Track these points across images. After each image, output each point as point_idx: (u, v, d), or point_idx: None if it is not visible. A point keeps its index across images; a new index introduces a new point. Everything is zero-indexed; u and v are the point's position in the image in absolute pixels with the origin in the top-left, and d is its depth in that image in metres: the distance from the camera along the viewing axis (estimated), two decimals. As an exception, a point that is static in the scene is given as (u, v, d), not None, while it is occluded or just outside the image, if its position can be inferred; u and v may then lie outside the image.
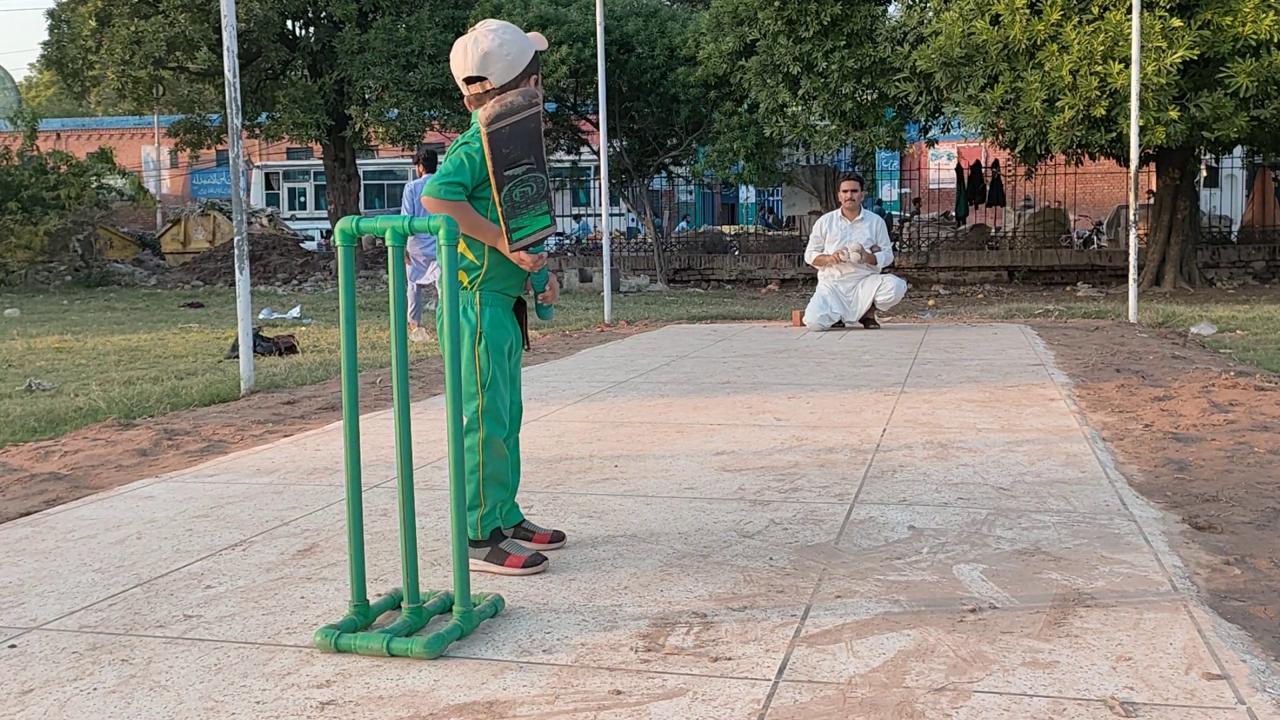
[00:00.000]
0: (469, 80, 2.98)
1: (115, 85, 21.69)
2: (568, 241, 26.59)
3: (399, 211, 11.91)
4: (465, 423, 2.97)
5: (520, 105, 2.90)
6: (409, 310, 11.25)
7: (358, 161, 25.50)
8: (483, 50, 2.94)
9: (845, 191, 9.85)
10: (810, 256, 10.02)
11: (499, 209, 2.90)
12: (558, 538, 3.22)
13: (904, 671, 2.28)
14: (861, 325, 9.97)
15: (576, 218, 29.67)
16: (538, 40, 3.06)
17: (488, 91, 2.96)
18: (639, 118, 20.75)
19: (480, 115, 2.86)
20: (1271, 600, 2.69)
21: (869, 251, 9.70)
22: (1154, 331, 9.59)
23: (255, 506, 3.79)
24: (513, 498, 3.13)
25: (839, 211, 9.92)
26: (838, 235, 9.84)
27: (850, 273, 9.85)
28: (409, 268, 10.84)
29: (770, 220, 35.53)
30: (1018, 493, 3.77)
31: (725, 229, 29.97)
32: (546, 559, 3.02)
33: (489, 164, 2.87)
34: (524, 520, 3.20)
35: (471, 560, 2.83)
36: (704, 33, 18.14)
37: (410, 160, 34.08)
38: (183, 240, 26.63)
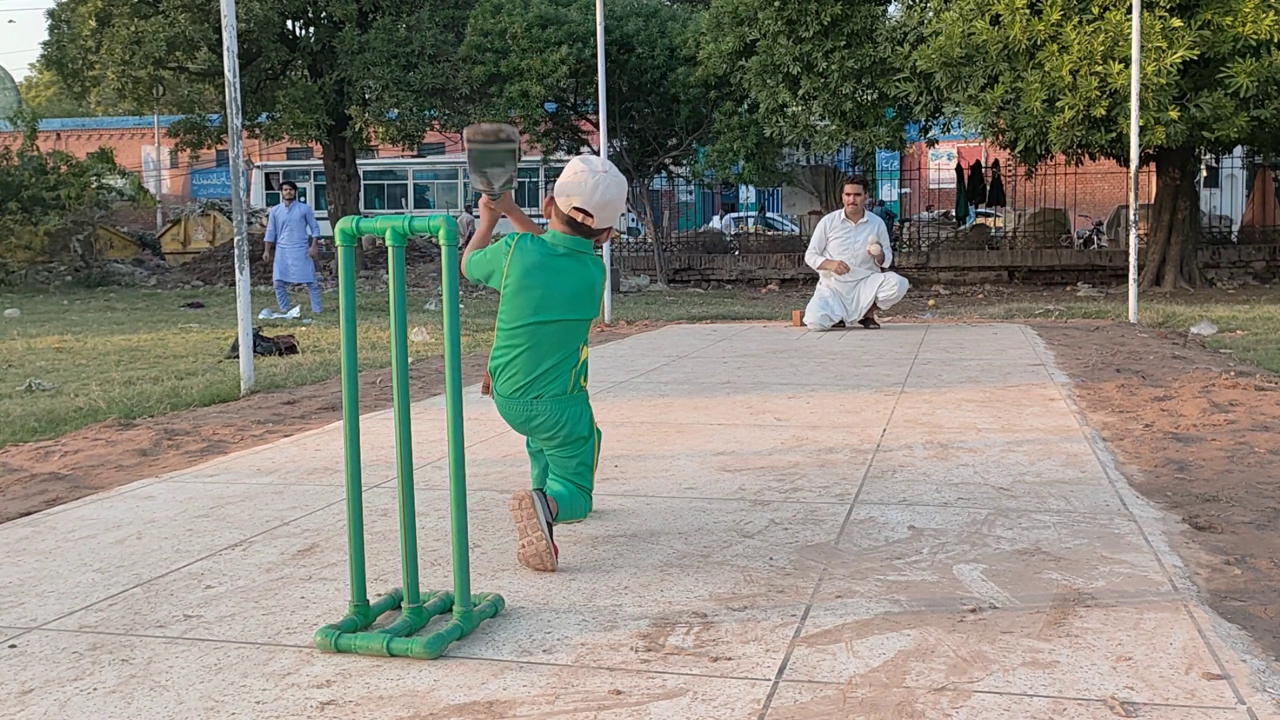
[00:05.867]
0: (578, 209, 3.20)
1: (115, 85, 21.69)
2: None
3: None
4: (584, 482, 3.30)
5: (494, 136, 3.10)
6: (289, 305, 13.08)
7: (358, 161, 25.50)
8: (609, 198, 3.21)
9: (849, 195, 9.87)
10: (813, 260, 10.00)
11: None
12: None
13: (904, 671, 2.28)
14: (862, 325, 9.97)
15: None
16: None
17: (582, 224, 3.21)
18: (639, 118, 20.76)
19: (467, 131, 3.06)
20: (1271, 600, 2.69)
21: (874, 251, 9.68)
22: (1154, 331, 9.59)
23: (255, 506, 3.79)
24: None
25: (841, 213, 9.93)
26: (841, 237, 9.85)
27: (851, 273, 9.85)
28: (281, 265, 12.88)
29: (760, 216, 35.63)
30: (1018, 493, 3.77)
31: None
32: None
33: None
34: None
35: (540, 514, 2.99)
36: (704, 33, 18.15)
37: (411, 160, 34.16)
38: (183, 240, 26.66)
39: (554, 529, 3.13)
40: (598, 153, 17.82)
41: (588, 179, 3.20)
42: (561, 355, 3.20)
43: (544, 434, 3.24)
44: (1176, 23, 12.88)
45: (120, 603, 2.81)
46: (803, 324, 10.12)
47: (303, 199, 15.80)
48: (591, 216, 3.21)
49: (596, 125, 17.10)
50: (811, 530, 3.34)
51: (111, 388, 6.95)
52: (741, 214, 34.41)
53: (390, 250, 2.48)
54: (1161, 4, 13.15)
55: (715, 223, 31.56)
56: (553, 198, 3.27)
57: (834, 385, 6.42)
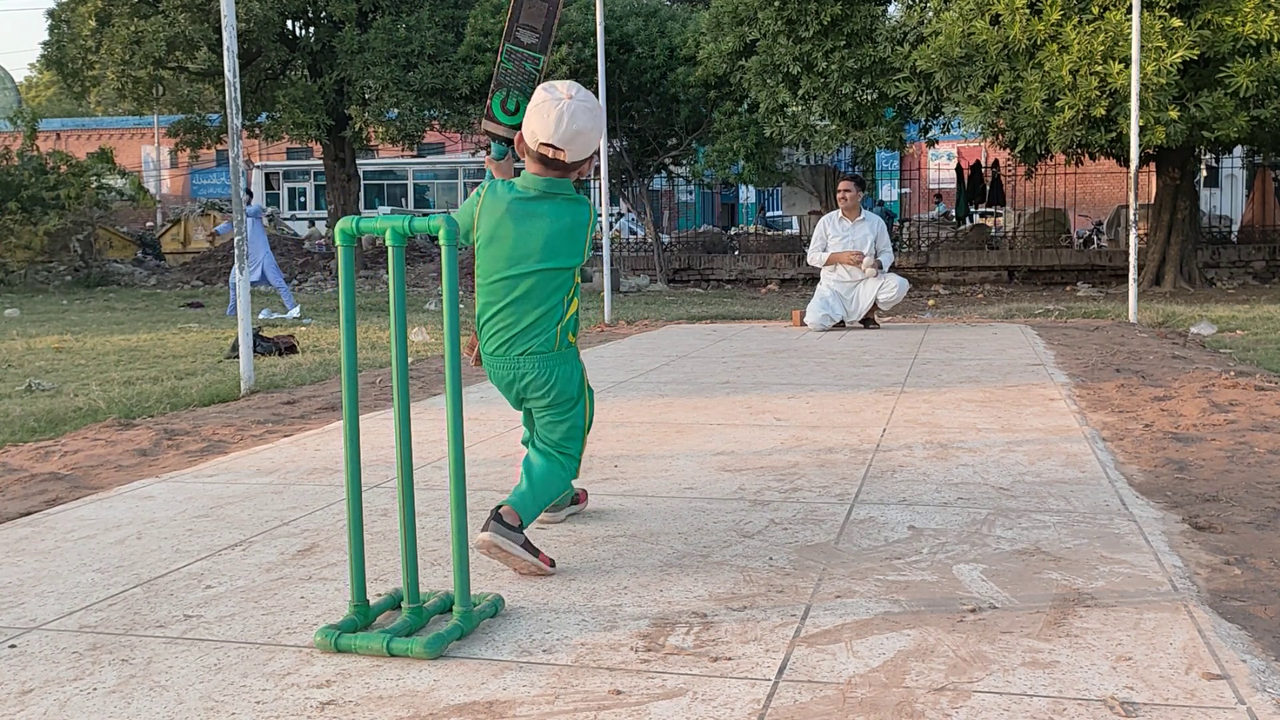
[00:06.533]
0: (546, 144, 2.93)
1: (115, 85, 21.69)
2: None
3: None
4: (570, 449, 3.17)
5: None
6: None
7: (358, 161, 25.50)
8: (578, 128, 2.91)
9: (841, 192, 9.83)
10: (817, 258, 9.92)
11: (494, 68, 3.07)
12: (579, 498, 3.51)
13: (904, 671, 2.28)
14: (862, 325, 9.97)
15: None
16: None
17: (557, 161, 2.95)
18: (639, 118, 20.75)
19: None
20: (1271, 600, 2.69)
21: (875, 260, 9.68)
22: (1154, 331, 9.59)
23: (255, 506, 3.79)
24: None
25: (839, 212, 9.92)
26: (839, 236, 9.84)
27: (851, 273, 9.85)
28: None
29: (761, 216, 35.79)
30: (1018, 492, 3.77)
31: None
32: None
33: (507, 20, 3.04)
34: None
35: (510, 545, 2.87)
36: (704, 33, 18.15)
37: (411, 160, 34.17)
38: (183, 240, 26.66)
39: (530, 529, 3.06)
40: (598, 153, 17.77)
41: (550, 110, 2.92)
42: (545, 309, 3.00)
43: (533, 394, 3.07)
44: (1176, 23, 12.88)
45: (120, 603, 2.81)
46: (803, 324, 10.11)
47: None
48: (562, 151, 2.93)
49: (596, 125, 17.07)
50: (811, 530, 3.34)
51: (111, 388, 6.95)
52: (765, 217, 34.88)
53: (390, 250, 2.48)
54: (1161, 4, 13.15)
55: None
56: (520, 135, 3.02)
57: (834, 385, 6.42)
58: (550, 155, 2.94)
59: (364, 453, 4.38)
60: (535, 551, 2.94)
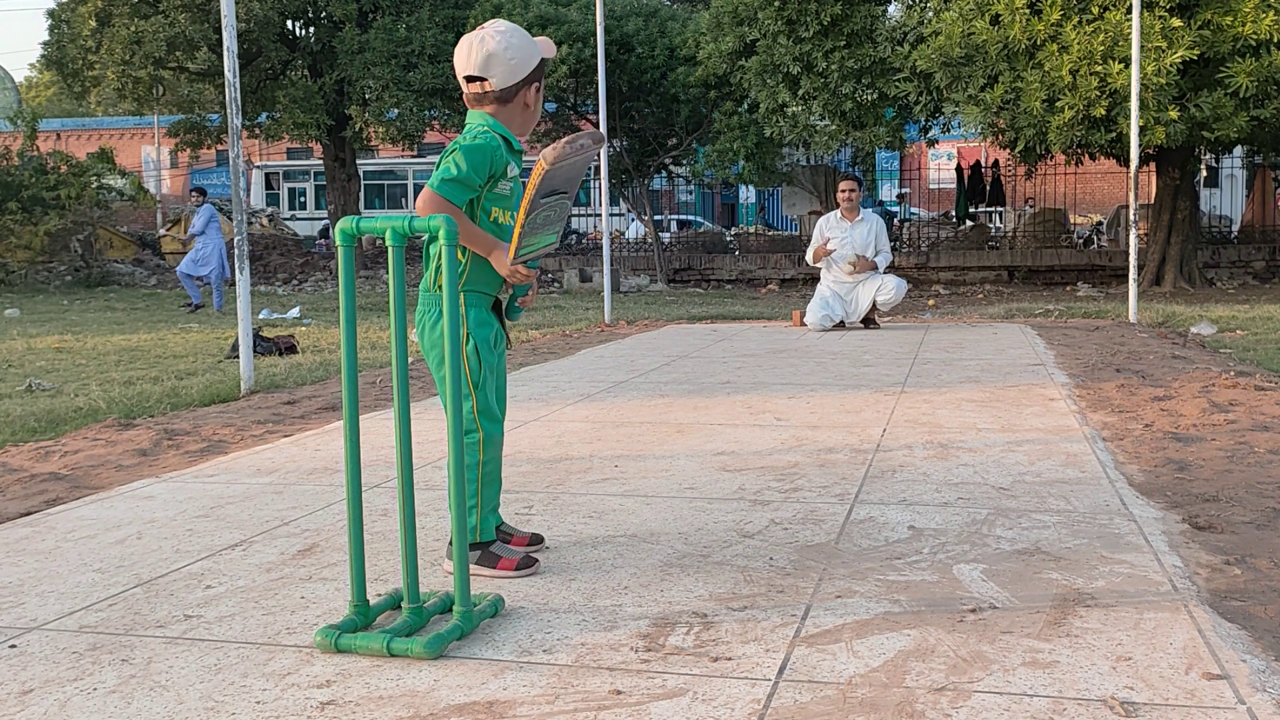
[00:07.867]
0: (469, 79, 2.98)
1: (115, 85, 21.68)
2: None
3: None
4: (463, 425, 2.94)
5: (589, 146, 2.90)
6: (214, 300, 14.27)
7: (358, 161, 25.49)
8: (487, 51, 2.93)
9: (843, 191, 9.85)
10: (810, 256, 10.03)
11: (517, 228, 2.84)
12: (536, 540, 3.18)
13: (904, 671, 2.28)
14: (862, 325, 9.97)
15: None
16: (545, 47, 3.06)
17: (487, 93, 2.97)
18: (639, 118, 20.76)
19: (548, 153, 2.75)
20: (1271, 600, 2.69)
21: (868, 259, 9.70)
22: (1154, 331, 9.59)
23: (255, 506, 3.79)
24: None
25: (838, 212, 9.93)
26: (838, 236, 9.85)
27: (850, 273, 9.86)
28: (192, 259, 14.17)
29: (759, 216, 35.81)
30: (1018, 492, 3.77)
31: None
32: (538, 560, 3.00)
33: (530, 192, 2.79)
34: (502, 522, 3.14)
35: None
36: (704, 33, 18.16)
37: (411, 160, 34.16)
38: (183, 240, 26.66)
39: (489, 532, 2.95)
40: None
41: (462, 46, 2.98)
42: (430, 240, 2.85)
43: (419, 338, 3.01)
44: (1176, 23, 12.89)
45: (120, 603, 2.81)
46: (803, 324, 10.12)
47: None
48: (486, 80, 2.95)
49: (597, 125, 17.08)
50: (811, 530, 3.34)
51: (111, 388, 6.95)
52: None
53: (390, 250, 2.48)
54: (1161, 4, 13.16)
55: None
56: (465, 95, 3.03)
57: (834, 385, 6.42)
58: (480, 90, 2.96)
59: (364, 453, 4.38)
60: (494, 561, 2.93)
